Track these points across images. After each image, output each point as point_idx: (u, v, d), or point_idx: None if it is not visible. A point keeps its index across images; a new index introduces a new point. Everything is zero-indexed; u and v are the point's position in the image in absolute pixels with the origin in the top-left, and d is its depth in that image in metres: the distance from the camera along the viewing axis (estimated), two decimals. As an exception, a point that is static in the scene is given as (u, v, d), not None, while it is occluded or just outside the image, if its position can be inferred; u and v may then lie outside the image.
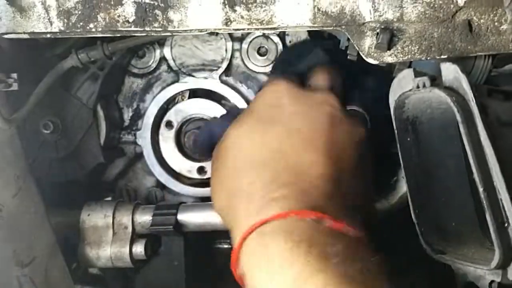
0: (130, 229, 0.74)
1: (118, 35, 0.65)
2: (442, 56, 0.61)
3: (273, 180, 0.60)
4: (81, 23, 0.63)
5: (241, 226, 0.58)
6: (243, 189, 0.61)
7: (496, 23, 0.61)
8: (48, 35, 0.64)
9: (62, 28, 0.63)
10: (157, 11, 0.63)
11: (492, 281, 0.57)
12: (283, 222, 0.56)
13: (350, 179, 0.63)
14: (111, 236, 0.74)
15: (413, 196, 0.63)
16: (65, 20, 0.63)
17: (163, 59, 0.86)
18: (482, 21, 0.61)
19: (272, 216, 0.56)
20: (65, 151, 0.82)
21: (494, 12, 0.60)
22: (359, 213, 0.61)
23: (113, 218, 0.74)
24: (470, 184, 0.62)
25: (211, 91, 0.86)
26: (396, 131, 0.62)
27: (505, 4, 0.56)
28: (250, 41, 0.84)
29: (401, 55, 0.62)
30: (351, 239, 0.56)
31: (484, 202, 0.53)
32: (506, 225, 0.53)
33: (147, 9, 0.63)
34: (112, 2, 0.63)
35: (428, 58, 0.62)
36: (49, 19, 0.63)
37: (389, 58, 0.62)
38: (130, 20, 0.63)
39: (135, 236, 0.74)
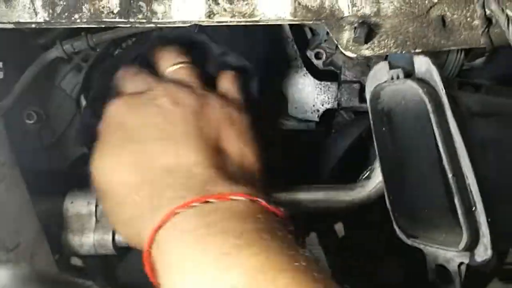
0: (113, 217, 0.75)
1: (103, 26, 0.66)
2: (417, 50, 0.64)
3: (154, 190, 0.60)
4: (66, 14, 0.64)
5: (141, 223, 0.58)
6: (132, 214, 0.61)
7: (468, 19, 0.63)
8: (33, 25, 0.65)
9: (47, 19, 0.64)
10: (141, 3, 0.64)
11: (461, 263, 0.60)
12: (177, 219, 0.56)
13: (233, 155, 0.65)
14: (94, 223, 0.75)
15: (387, 183, 0.65)
16: (50, 11, 0.64)
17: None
18: (455, 16, 0.63)
19: (165, 216, 0.56)
20: (48, 141, 0.83)
21: (467, 8, 0.63)
22: (256, 180, 0.64)
23: (96, 205, 0.75)
24: (441, 172, 0.65)
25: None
26: (371, 122, 0.65)
27: (475, 0, 0.59)
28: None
29: (378, 49, 0.64)
30: (256, 209, 0.57)
31: (453, 187, 0.56)
32: (473, 209, 0.56)
33: (132, 1, 0.64)
34: (97, -7, 0.64)
35: (404, 51, 0.64)
36: (34, 9, 0.64)
37: (366, 51, 0.65)
38: (115, 11, 0.64)
39: (119, 224, 0.75)
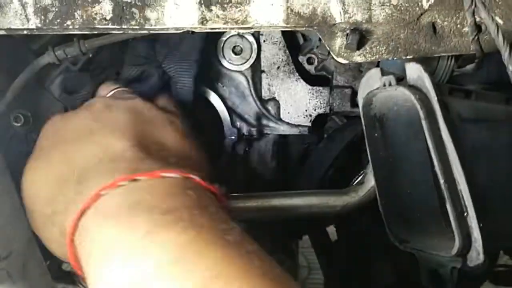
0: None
1: (95, 32, 0.66)
2: (408, 57, 0.64)
3: (79, 178, 0.59)
4: (58, 20, 0.64)
5: (66, 216, 0.56)
6: (58, 209, 0.60)
7: (458, 26, 0.64)
8: (25, 32, 0.64)
9: (39, 25, 0.64)
10: (134, 9, 0.64)
11: (453, 268, 0.61)
12: (101, 202, 0.53)
13: (170, 145, 0.67)
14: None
15: (380, 188, 0.66)
16: (42, 17, 0.64)
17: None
18: (445, 23, 0.64)
19: (87, 202, 0.54)
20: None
21: (457, 15, 0.64)
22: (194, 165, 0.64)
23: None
24: (433, 177, 0.66)
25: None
26: (364, 127, 0.65)
27: (465, 8, 0.59)
28: (225, 40, 0.86)
29: (370, 55, 0.65)
30: (188, 185, 0.55)
31: (445, 193, 0.57)
32: (465, 214, 0.57)
33: (124, 7, 0.64)
34: (90, 0, 0.64)
35: (395, 58, 0.65)
36: (26, 15, 0.64)
37: (358, 57, 0.65)
38: (107, 18, 0.64)
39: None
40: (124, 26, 0.64)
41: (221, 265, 0.46)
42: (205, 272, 0.46)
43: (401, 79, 0.63)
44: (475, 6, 0.58)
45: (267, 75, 0.88)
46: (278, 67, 0.87)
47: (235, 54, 0.86)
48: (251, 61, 0.86)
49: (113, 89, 0.77)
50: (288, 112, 0.88)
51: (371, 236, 0.79)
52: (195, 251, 0.47)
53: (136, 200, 0.52)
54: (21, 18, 0.64)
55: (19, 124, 0.80)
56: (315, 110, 0.88)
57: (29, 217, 0.66)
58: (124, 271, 0.48)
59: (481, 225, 0.56)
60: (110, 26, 0.64)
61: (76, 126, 0.68)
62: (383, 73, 0.62)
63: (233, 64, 0.86)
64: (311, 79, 0.88)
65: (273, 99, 0.88)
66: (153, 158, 0.60)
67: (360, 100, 0.65)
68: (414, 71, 0.60)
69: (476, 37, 0.61)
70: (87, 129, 0.66)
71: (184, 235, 0.48)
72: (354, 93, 0.85)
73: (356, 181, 0.79)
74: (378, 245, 0.79)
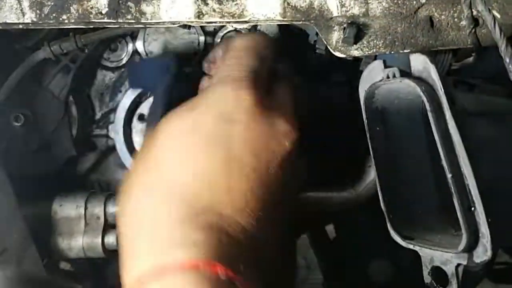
0: (102, 219, 0.74)
1: (91, 26, 0.65)
2: (405, 50, 0.64)
3: (186, 217, 0.51)
4: (54, 14, 0.64)
5: (138, 259, 0.50)
6: (150, 216, 0.52)
7: (455, 19, 0.64)
8: (20, 26, 0.64)
9: (35, 19, 0.64)
10: (130, 3, 0.64)
11: (459, 264, 0.59)
12: (191, 274, 0.47)
13: (273, 235, 0.55)
14: (83, 226, 0.74)
15: (382, 184, 0.65)
16: (38, 11, 0.64)
17: (135, 52, 0.87)
18: (442, 17, 0.64)
19: (181, 263, 0.47)
20: (36, 144, 0.82)
21: (454, 9, 0.63)
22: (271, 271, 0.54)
23: (85, 208, 0.74)
24: (435, 172, 0.65)
25: (183, 84, 0.87)
26: (365, 121, 0.65)
27: (462, 0, 0.59)
28: (223, 35, 0.85)
29: (367, 49, 0.65)
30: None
31: (452, 187, 0.55)
32: (472, 209, 0.55)
33: (120, 1, 0.64)
34: (85, -6, 0.63)
35: (392, 52, 0.64)
36: (21, 10, 0.64)
37: (355, 52, 0.65)
38: (103, 12, 0.64)
39: (108, 227, 0.75)
40: (120, 20, 0.64)
41: None
42: None
43: (404, 73, 0.62)
44: (473, -2, 0.58)
45: (264, 71, 0.87)
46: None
47: (232, 50, 0.86)
48: (248, 57, 0.85)
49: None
50: (286, 109, 0.87)
51: (370, 233, 0.78)
52: None
53: None
54: (17, 12, 0.64)
55: (19, 124, 0.80)
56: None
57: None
58: None
59: (489, 220, 0.55)
60: (106, 20, 0.64)
61: (247, 149, 0.53)
62: (386, 66, 0.62)
63: (230, 60, 0.86)
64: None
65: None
66: (250, 258, 0.51)
67: (362, 93, 0.64)
68: (420, 63, 0.59)
69: (473, 30, 0.61)
70: (159, 162, 0.54)
71: None
72: (353, 89, 0.85)
73: (355, 177, 0.78)
74: (377, 242, 0.78)
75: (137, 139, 0.87)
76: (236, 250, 0.50)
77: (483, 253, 0.56)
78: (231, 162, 0.52)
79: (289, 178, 0.56)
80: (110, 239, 0.74)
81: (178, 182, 0.52)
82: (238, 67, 0.60)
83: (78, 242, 0.74)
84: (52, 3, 0.63)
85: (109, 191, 0.89)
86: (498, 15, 0.61)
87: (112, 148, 0.89)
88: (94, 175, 0.90)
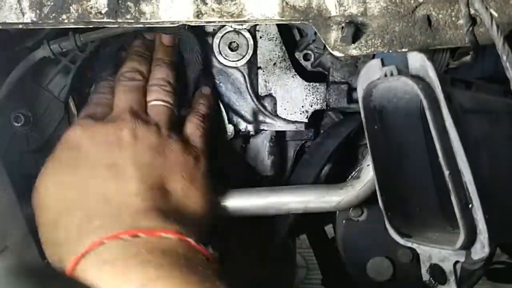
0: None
1: (91, 26, 0.66)
2: (403, 49, 0.64)
3: (86, 217, 0.63)
4: (53, 14, 0.64)
5: (68, 249, 0.61)
6: (60, 236, 0.63)
7: (453, 18, 0.64)
8: (20, 26, 0.64)
9: (35, 19, 0.64)
10: (129, 3, 0.64)
11: (457, 262, 0.59)
12: (102, 248, 0.59)
13: (178, 196, 0.68)
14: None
15: (380, 182, 0.65)
16: (38, 11, 0.64)
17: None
18: (440, 16, 0.64)
19: (89, 246, 0.59)
20: (36, 144, 0.82)
21: (452, 8, 0.64)
22: (193, 224, 0.66)
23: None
24: (432, 171, 0.66)
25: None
26: (364, 120, 0.65)
27: (459, 0, 0.60)
28: (222, 36, 0.86)
29: (365, 48, 0.65)
30: (183, 247, 0.60)
31: (449, 184, 0.55)
32: (470, 206, 0.56)
33: (120, 1, 0.64)
34: (85, -6, 0.64)
35: (390, 51, 0.65)
36: (21, 9, 0.64)
37: (353, 51, 0.65)
38: (103, 12, 0.64)
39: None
40: (119, 20, 0.64)
41: None
42: None
43: (402, 72, 0.62)
44: (470, -3, 0.58)
45: (263, 71, 0.88)
46: (275, 64, 0.87)
47: (232, 50, 0.86)
48: (248, 57, 0.86)
49: (158, 100, 0.75)
50: (285, 108, 0.88)
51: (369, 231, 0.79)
52: None
53: (133, 254, 0.58)
54: (16, 12, 0.64)
55: (19, 124, 0.80)
56: (311, 106, 0.88)
57: (36, 220, 0.68)
58: None
59: (486, 216, 0.55)
60: (105, 20, 0.64)
61: (99, 150, 0.68)
62: (384, 64, 0.62)
63: (229, 60, 0.86)
64: (308, 75, 0.88)
65: (270, 95, 0.88)
66: (157, 212, 0.64)
67: (360, 92, 0.65)
68: (417, 61, 0.59)
69: (471, 29, 0.61)
70: (108, 159, 0.67)
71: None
72: (351, 89, 0.85)
73: (352, 176, 0.79)
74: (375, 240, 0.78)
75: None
76: (184, 220, 0.64)
77: (481, 250, 0.56)
78: (92, 169, 0.68)
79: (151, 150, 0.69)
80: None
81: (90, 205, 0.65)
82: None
83: (77, 241, 0.74)
84: (52, 3, 0.64)
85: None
86: (495, 14, 0.61)
87: (112, 148, 0.89)
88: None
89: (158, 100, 0.75)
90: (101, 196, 0.65)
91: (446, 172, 0.56)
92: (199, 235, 0.63)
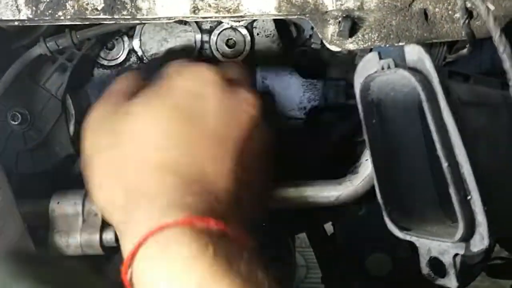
0: (100, 216, 0.74)
1: (87, 23, 0.66)
2: (400, 43, 0.65)
3: (179, 186, 0.58)
4: (49, 11, 0.64)
5: (138, 228, 0.55)
6: (146, 189, 0.58)
7: (450, 12, 0.64)
8: (16, 23, 0.64)
9: (31, 16, 0.64)
10: (125, -1, 0.64)
11: (456, 254, 0.59)
12: (186, 229, 0.54)
13: (253, 192, 0.63)
14: (80, 223, 0.74)
15: (379, 176, 0.65)
16: (33, 8, 0.64)
17: (132, 51, 0.87)
18: (437, 10, 0.64)
19: (175, 221, 0.54)
20: (33, 142, 0.82)
21: (448, 1, 0.64)
22: (253, 221, 0.62)
23: (83, 205, 0.74)
24: (431, 164, 0.66)
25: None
26: (361, 114, 0.65)
27: (455, -8, 0.60)
28: (219, 33, 0.86)
29: (362, 42, 0.65)
30: (250, 250, 0.55)
31: (448, 176, 0.55)
32: (468, 198, 0.55)
33: (116, -3, 0.64)
34: (81, -10, 0.64)
35: (387, 45, 0.65)
36: (17, 6, 0.64)
37: (350, 45, 0.65)
38: (99, 8, 0.64)
39: (105, 224, 0.74)
40: (115, 16, 0.64)
41: None
42: None
43: (399, 65, 0.62)
44: (466, -10, 0.58)
45: (260, 68, 0.87)
46: (272, 60, 0.87)
47: (229, 47, 0.86)
48: (245, 54, 0.86)
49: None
50: (282, 105, 0.88)
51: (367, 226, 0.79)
52: None
53: (205, 245, 0.53)
54: (12, 9, 0.64)
55: (16, 123, 0.80)
56: (309, 102, 0.87)
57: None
58: None
59: (485, 208, 0.55)
60: (101, 16, 0.64)
61: (218, 119, 0.61)
62: (381, 57, 0.62)
63: (226, 57, 0.86)
64: (305, 72, 0.88)
65: (267, 92, 0.88)
66: (238, 212, 0.59)
67: (357, 86, 0.64)
68: (414, 53, 0.59)
69: (467, 22, 0.61)
70: (146, 136, 0.60)
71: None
72: (348, 85, 0.85)
73: (351, 171, 0.79)
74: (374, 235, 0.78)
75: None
76: (224, 208, 0.58)
77: (480, 242, 0.56)
78: (209, 135, 0.60)
79: (260, 140, 0.65)
80: (108, 235, 0.74)
81: (164, 158, 0.59)
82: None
83: (75, 239, 0.73)
84: (48, 0, 0.64)
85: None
86: (491, 7, 0.62)
87: (110, 147, 0.89)
88: (92, 174, 0.90)
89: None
90: (202, 174, 0.59)
91: (445, 164, 0.55)
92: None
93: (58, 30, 0.75)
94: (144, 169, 0.59)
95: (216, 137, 0.60)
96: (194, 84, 0.63)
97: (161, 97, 0.62)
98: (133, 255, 0.54)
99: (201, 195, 0.57)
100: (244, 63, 0.73)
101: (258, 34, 0.87)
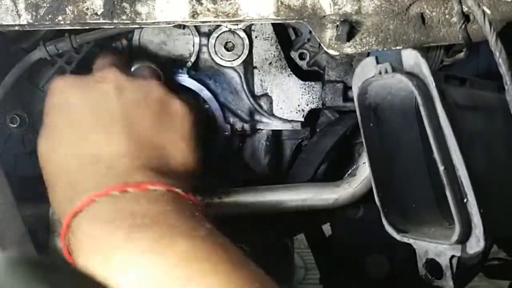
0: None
1: (87, 27, 0.66)
2: (398, 47, 0.65)
3: (79, 178, 0.65)
4: (49, 16, 0.64)
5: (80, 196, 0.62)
6: (59, 198, 0.66)
7: (447, 16, 0.65)
8: (16, 28, 0.65)
9: (31, 21, 0.64)
10: (125, 4, 0.64)
11: (453, 256, 0.60)
12: (92, 206, 0.60)
13: (154, 145, 0.68)
14: (80, 226, 0.74)
15: (376, 179, 0.65)
16: (33, 13, 0.64)
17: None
18: (434, 13, 0.65)
19: (80, 205, 0.60)
20: (32, 145, 0.82)
21: (445, 5, 0.64)
22: (186, 178, 0.68)
23: (83, 208, 0.75)
24: (428, 167, 0.66)
25: (179, 85, 0.88)
26: (359, 117, 0.65)
27: (452, -3, 0.60)
28: (217, 36, 0.86)
29: (360, 46, 0.65)
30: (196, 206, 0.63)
31: (444, 180, 0.56)
32: (465, 200, 0.56)
33: (115, 2, 0.64)
34: (81, -5, 0.64)
35: (385, 49, 0.65)
36: (17, 11, 0.64)
37: (348, 49, 0.66)
38: (99, 13, 0.64)
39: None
40: (115, 21, 0.64)
41: (187, 251, 0.54)
42: (173, 258, 0.54)
43: (396, 69, 0.63)
44: (462, -6, 0.59)
45: (259, 71, 0.88)
46: (270, 63, 0.88)
47: (227, 50, 0.86)
48: (243, 57, 0.86)
49: (138, 65, 0.76)
50: (281, 108, 0.88)
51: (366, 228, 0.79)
52: (165, 242, 0.55)
53: (122, 208, 0.60)
54: (12, 14, 0.64)
55: (15, 125, 0.80)
56: (307, 105, 0.88)
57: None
58: (105, 269, 0.55)
59: (481, 211, 0.56)
60: (101, 21, 0.64)
61: (86, 108, 0.68)
62: (378, 62, 0.62)
63: (225, 60, 0.87)
64: (303, 74, 0.88)
65: (266, 94, 0.88)
66: (146, 168, 0.65)
67: (355, 90, 0.65)
68: (411, 58, 0.60)
69: (464, 26, 0.62)
70: (96, 117, 0.67)
71: (158, 232, 0.56)
72: (346, 88, 0.86)
73: (349, 174, 0.79)
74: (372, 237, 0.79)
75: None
76: (172, 174, 0.66)
77: (476, 244, 0.56)
78: (81, 129, 0.67)
79: (141, 105, 0.69)
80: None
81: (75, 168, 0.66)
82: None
83: (75, 242, 0.74)
84: (48, 5, 0.64)
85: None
86: (488, 11, 0.62)
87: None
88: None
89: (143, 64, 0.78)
90: (92, 156, 0.66)
91: (441, 168, 0.56)
92: (188, 188, 0.65)
93: (58, 33, 0.75)
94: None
95: (88, 126, 0.67)
96: (58, 100, 0.70)
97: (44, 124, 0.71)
98: (74, 214, 0.60)
99: (97, 172, 0.64)
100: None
101: (256, 37, 0.88)
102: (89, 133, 0.67)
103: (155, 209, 0.59)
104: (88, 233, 0.59)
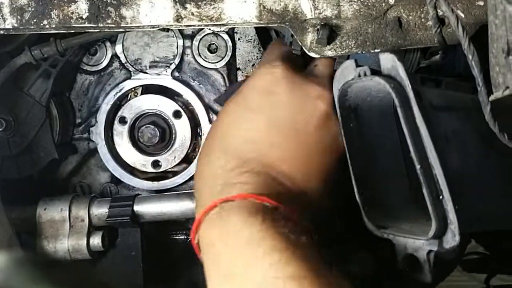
0: (86, 221, 0.75)
1: (72, 31, 0.67)
2: (376, 50, 0.67)
3: (240, 166, 0.65)
4: (34, 20, 0.65)
5: (205, 201, 0.64)
6: (211, 170, 0.67)
7: (422, 20, 0.67)
8: (1, 32, 0.65)
9: (16, 25, 0.65)
10: (110, 8, 0.65)
11: (430, 251, 0.62)
12: (243, 202, 0.61)
13: (314, 183, 0.68)
14: (68, 229, 0.75)
15: (356, 177, 0.67)
16: (19, 17, 0.65)
17: (115, 56, 0.89)
18: (410, 17, 0.67)
19: (234, 196, 0.62)
20: (18, 148, 0.83)
21: (421, 10, 0.67)
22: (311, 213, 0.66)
23: (69, 211, 0.75)
24: (406, 166, 0.69)
25: (163, 87, 0.89)
26: (340, 118, 0.67)
27: (427, 1, 0.62)
28: (201, 38, 0.88)
29: (340, 49, 0.67)
30: (301, 227, 0.61)
31: (421, 177, 0.58)
32: (440, 197, 0.58)
33: (100, 6, 0.65)
34: (66, -1, 0.65)
35: (364, 51, 0.67)
36: (2, 16, 0.65)
37: (329, 52, 0.68)
38: (84, 17, 0.65)
39: (92, 229, 0.76)
40: (100, 25, 0.65)
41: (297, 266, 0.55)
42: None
43: (375, 72, 0.65)
44: (437, 0, 0.61)
45: (242, 72, 0.90)
46: (253, 65, 0.90)
47: (211, 52, 0.88)
48: (227, 58, 0.88)
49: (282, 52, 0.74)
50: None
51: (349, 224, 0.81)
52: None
53: (255, 213, 0.60)
54: (-3, 18, 0.65)
55: (0, 129, 0.81)
56: (290, 105, 0.90)
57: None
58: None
59: (456, 207, 0.58)
60: (86, 25, 0.65)
61: (285, 113, 0.68)
62: (357, 64, 0.64)
63: (208, 62, 0.88)
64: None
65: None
66: (294, 198, 0.66)
67: (336, 91, 0.67)
68: (388, 61, 0.62)
69: (439, 30, 0.64)
70: (294, 121, 0.68)
71: (281, 247, 0.57)
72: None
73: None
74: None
75: (118, 141, 0.89)
76: (280, 188, 0.65)
77: (451, 239, 0.59)
78: (272, 124, 0.67)
79: (327, 136, 0.69)
80: (95, 240, 0.75)
81: (231, 144, 0.68)
82: (270, 54, 0.76)
83: (63, 245, 0.75)
84: (33, 9, 0.65)
85: (91, 193, 0.90)
86: (462, 15, 0.65)
87: (94, 151, 0.90)
88: (76, 178, 0.91)
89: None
90: (264, 157, 0.66)
91: (418, 166, 0.58)
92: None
93: (42, 36, 0.76)
94: (208, 156, 0.69)
95: (278, 127, 0.67)
96: (265, 82, 0.69)
97: (235, 97, 0.71)
98: (199, 222, 0.63)
99: (257, 174, 0.65)
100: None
101: (239, 39, 0.89)
102: (274, 139, 0.67)
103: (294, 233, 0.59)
104: (230, 218, 0.60)
